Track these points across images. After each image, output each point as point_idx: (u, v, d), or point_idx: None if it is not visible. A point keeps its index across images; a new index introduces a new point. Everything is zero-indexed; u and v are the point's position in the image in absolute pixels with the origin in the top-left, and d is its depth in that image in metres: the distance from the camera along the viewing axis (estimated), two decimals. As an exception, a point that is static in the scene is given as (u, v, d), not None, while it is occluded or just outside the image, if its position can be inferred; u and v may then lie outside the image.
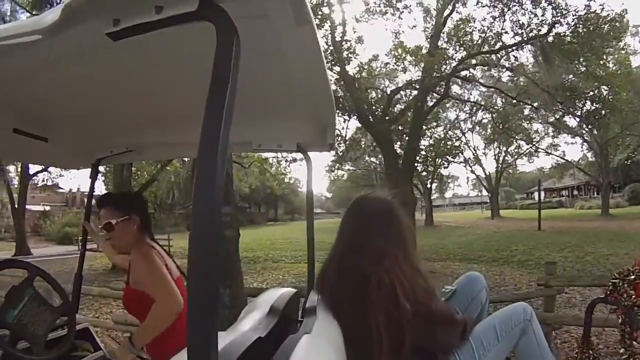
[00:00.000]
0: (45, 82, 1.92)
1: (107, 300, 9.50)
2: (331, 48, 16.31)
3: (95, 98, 2.10)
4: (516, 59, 17.03)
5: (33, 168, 24.25)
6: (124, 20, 1.07)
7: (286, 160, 32.65)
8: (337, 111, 18.29)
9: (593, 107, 21.35)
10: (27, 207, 32.97)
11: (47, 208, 45.73)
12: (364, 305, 2.09)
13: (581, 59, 15.86)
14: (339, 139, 23.52)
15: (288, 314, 2.13)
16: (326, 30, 16.24)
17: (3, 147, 2.70)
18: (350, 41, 17.20)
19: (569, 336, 6.51)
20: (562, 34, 15.02)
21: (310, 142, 2.61)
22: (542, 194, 41.07)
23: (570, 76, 18.00)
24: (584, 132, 32.28)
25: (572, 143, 39.34)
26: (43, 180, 34.26)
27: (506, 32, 16.14)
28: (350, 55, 16.98)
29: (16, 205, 26.64)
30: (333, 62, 16.47)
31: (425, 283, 2.21)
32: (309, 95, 2.03)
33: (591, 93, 19.69)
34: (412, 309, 2.05)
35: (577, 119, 25.82)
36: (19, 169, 25.41)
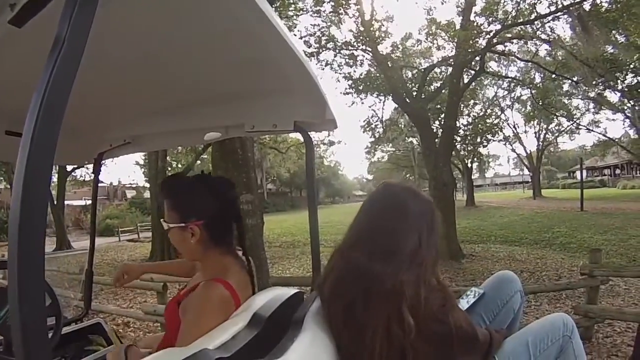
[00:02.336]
0: (27, 80, 1.80)
1: (142, 290, 9.70)
2: (361, 28, 16.30)
3: (88, 92, 1.90)
4: (552, 30, 16.58)
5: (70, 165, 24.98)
6: (19, 2, 1.01)
7: (324, 143, 32.82)
8: (372, 91, 18.40)
9: (635, 81, 20.79)
10: (68, 202, 33.99)
11: (89, 202, 46.91)
12: (362, 316, 1.75)
13: (620, 29, 15.25)
14: (376, 120, 23.54)
15: (279, 322, 1.82)
16: (354, 11, 16.29)
17: None
18: (380, 21, 17.16)
19: (612, 330, 6.24)
20: (598, 2, 14.46)
21: (309, 120, 2.39)
22: (584, 173, 40.14)
23: (610, 48, 17.36)
24: (626, 108, 31.36)
25: (613, 119, 38.21)
26: (81, 176, 34.91)
27: (540, 2, 15.81)
28: (381, 34, 16.91)
29: (55, 202, 27.43)
30: (363, 42, 16.48)
31: (444, 292, 1.83)
32: (286, 70, 1.91)
33: (632, 65, 19.17)
34: (419, 327, 1.68)
35: (618, 94, 25.11)
36: (57, 166, 26.09)
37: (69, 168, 27.60)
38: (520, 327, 2.21)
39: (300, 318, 1.82)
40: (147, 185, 34.01)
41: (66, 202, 31.45)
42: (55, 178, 30.40)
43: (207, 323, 1.76)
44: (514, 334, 2.07)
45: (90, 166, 3.27)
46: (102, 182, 47.94)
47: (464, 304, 2.20)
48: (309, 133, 2.50)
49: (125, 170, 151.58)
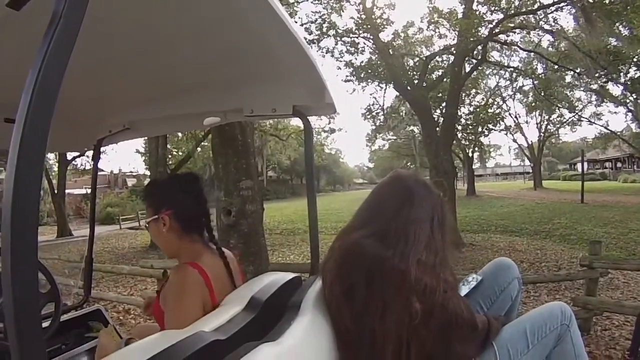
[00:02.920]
0: (27, 66, 1.73)
1: (142, 277, 9.83)
2: (363, 16, 16.25)
3: (87, 78, 1.98)
4: (555, 20, 16.43)
5: (70, 154, 24.90)
6: None
7: (324, 131, 32.72)
8: (374, 79, 18.38)
9: (638, 74, 20.68)
10: (69, 191, 34.23)
11: (89, 191, 46.70)
12: (364, 298, 1.73)
13: (624, 22, 15.05)
14: (377, 108, 23.50)
15: (276, 306, 1.83)
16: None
17: None
18: (381, 8, 17.07)
19: (610, 323, 6.21)
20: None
21: (307, 104, 2.35)
22: (585, 165, 40.06)
23: (613, 40, 17.29)
24: (628, 101, 31.24)
25: (615, 112, 37.94)
26: (81, 165, 34.96)
27: (544, -8, 15.58)
28: (382, 22, 16.82)
29: (56, 190, 27.49)
30: (365, 29, 16.45)
31: (453, 279, 1.87)
32: (285, 55, 1.89)
33: (635, 58, 19.05)
34: (423, 313, 1.68)
35: (621, 87, 24.98)
36: (57, 155, 26.09)
37: (70, 156, 27.65)
38: (519, 315, 2.21)
39: (297, 302, 1.83)
40: (148, 173, 33.99)
41: (67, 191, 31.52)
42: (55, 167, 30.51)
43: (186, 302, 1.90)
44: (512, 321, 2.08)
45: (91, 154, 3.27)
46: (102, 170, 47.89)
47: (463, 289, 2.20)
48: (308, 118, 2.49)
49: (126, 159, 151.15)
